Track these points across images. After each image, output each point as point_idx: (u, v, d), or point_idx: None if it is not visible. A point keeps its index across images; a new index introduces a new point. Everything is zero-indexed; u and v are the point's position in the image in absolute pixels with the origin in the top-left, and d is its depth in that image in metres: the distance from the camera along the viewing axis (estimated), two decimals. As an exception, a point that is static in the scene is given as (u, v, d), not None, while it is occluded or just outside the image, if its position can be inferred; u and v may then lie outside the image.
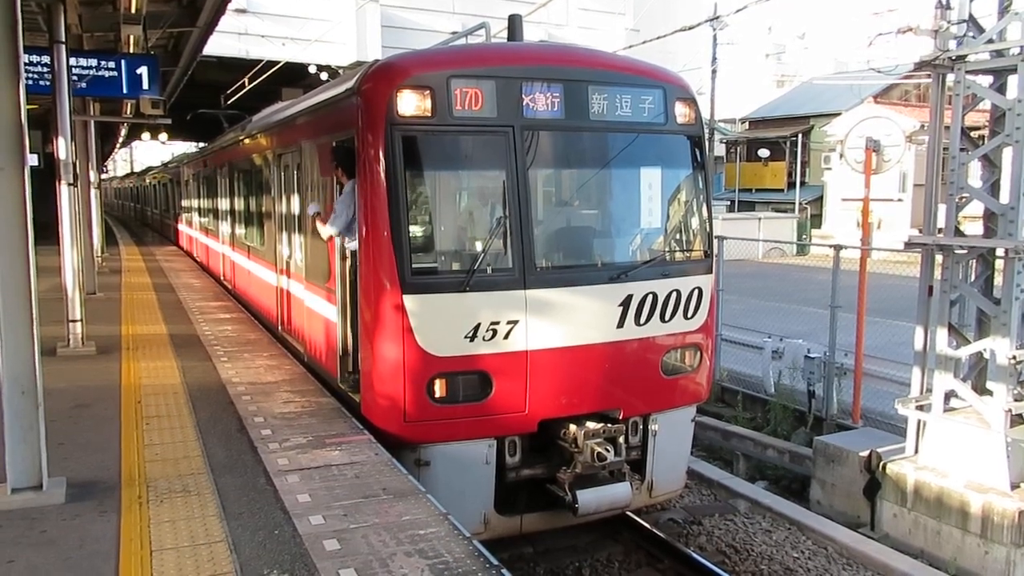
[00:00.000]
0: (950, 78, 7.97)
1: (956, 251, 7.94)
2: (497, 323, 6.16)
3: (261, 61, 20.96)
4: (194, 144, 36.57)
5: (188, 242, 22.42)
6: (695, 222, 7.39)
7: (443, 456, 6.27)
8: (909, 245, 8.57)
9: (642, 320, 6.72)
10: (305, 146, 8.37)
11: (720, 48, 39.01)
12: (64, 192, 9.24)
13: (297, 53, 21.21)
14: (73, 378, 8.04)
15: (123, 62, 11.89)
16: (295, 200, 9.00)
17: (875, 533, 8.21)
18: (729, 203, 42.56)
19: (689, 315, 7.01)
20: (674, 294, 6.86)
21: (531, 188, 6.42)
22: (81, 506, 4.90)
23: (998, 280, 7.94)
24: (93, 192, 17.03)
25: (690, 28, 18.88)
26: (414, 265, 6.09)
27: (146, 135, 27.31)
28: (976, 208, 8.21)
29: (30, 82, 10.18)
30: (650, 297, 6.71)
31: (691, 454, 8.26)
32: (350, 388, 7.11)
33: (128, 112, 17.07)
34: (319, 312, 8.04)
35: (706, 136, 8.54)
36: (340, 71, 21.20)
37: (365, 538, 4.41)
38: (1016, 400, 7.53)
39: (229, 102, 22.37)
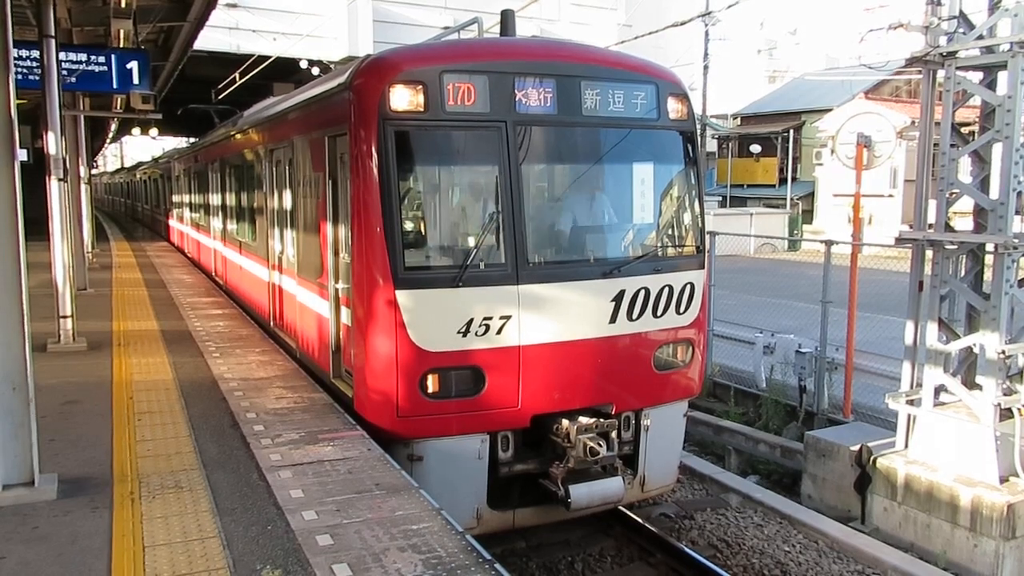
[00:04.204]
0: (940, 74, 8.00)
1: (946, 246, 7.98)
2: (490, 318, 6.16)
3: (252, 56, 20.89)
4: (185, 139, 36.43)
5: (179, 238, 22.33)
6: (687, 218, 7.41)
7: (436, 451, 6.28)
8: (900, 240, 8.61)
9: (634, 315, 6.74)
10: (297, 142, 8.35)
11: (712, 44, 39.06)
12: (54, 187, 9.20)
13: (288, 48, 21.13)
14: (64, 374, 8.01)
15: (113, 57, 11.85)
16: (287, 195, 8.98)
17: (865, 527, 8.26)
18: (721, 199, 42.62)
19: (681, 310, 7.03)
20: (666, 289, 6.88)
21: (524, 183, 6.42)
22: (73, 502, 4.89)
23: (988, 275, 7.98)
24: (83, 187, 16.95)
25: (682, 24, 18.86)
26: (407, 261, 6.09)
27: (136, 130, 27.12)
28: (966, 204, 8.25)
29: (19, 77, 10.09)
30: (642, 292, 6.73)
31: (683, 449, 8.30)
32: (343, 383, 7.11)
33: (118, 107, 17.01)
34: (311, 307, 8.03)
35: (698, 132, 8.56)
36: (332, 66, 21.15)
37: (358, 533, 4.42)
38: (1005, 394, 7.58)
39: (220, 97, 22.27)
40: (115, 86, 12.04)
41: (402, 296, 6.04)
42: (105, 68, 11.78)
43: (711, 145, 46.14)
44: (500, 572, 4.04)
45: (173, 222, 23.69)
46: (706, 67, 38.72)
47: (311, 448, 5.81)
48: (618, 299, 6.62)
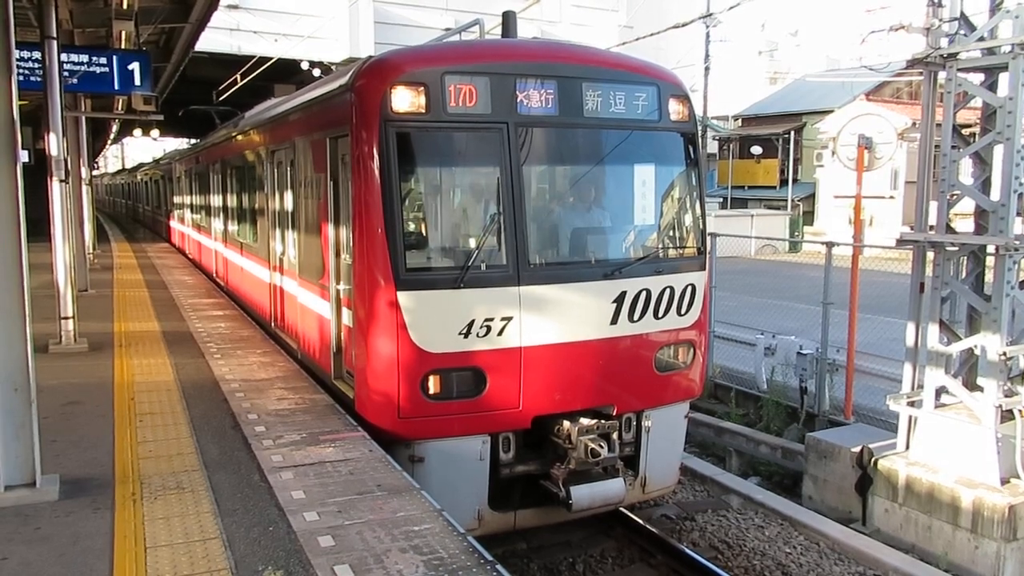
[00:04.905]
0: (942, 76, 8.00)
1: (947, 248, 7.98)
2: (491, 319, 6.17)
3: (253, 57, 20.90)
4: (186, 140, 36.45)
5: (180, 239, 22.35)
6: (688, 219, 7.41)
7: (437, 452, 6.28)
8: (901, 242, 8.61)
9: (636, 317, 6.74)
10: (298, 143, 8.36)
11: (713, 45, 39.03)
12: (55, 189, 9.21)
13: (289, 49, 21.15)
14: (65, 375, 8.02)
15: (115, 58, 11.85)
16: (288, 197, 8.99)
17: (867, 528, 8.25)
18: (722, 200, 42.62)
19: (682, 312, 7.03)
20: (667, 291, 6.88)
21: (525, 185, 6.43)
22: (75, 503, 4.89)
23: (989, 277, 7.98)
24: (84, 188, 16.96)
25: (683, 25, 18.91)
26: (408, 262, 6.09)
27: (138, 131, 27.20)
28: (967, 205, 8.25)
29: (21, 78, 10.07)
30: (644, 294, 6.73)
31: (684, 450, 8.30)
32: (344, 384, 7.11)
33: (120, 108, 17.02)
34: (312, 309, 8.04)
35: (699, 133, 8.56)
36: (333, 67, 21.16)
37: (360, 534, 4.42)
38: (1006, 396, 7.57)
39: (221, 98, 22.28)
40: (116, 87, 12.05)
41: (403, 297, 6.04)
42: (106, 69, 11.78)
43: (712, 146, 46.15)
44: (501, 573, 4.04)
45: (174, 223, 23.71)
46: (707, 68, 38.72)
47: (312, 449, 5.81)
48: (619, 300, 6.62)
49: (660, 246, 7.20)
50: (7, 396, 4.79)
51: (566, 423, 6.44)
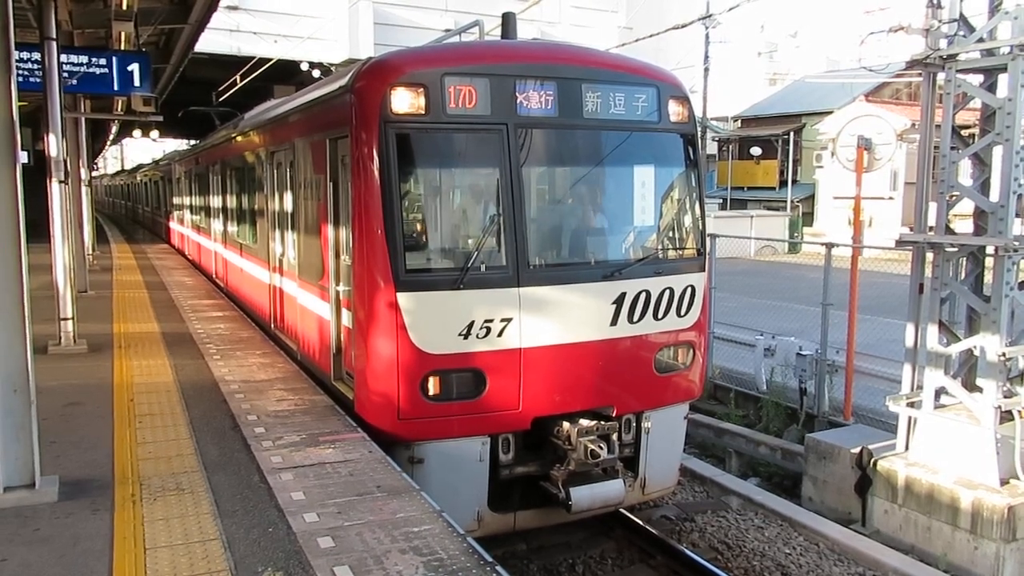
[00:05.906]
0: (941, 77, 8.00)
1: (947, 249, 7.98)
2: (491, 321, 6.17)
3: (253, 58, 20.92)
4: (185, 141, 36.48)
5: (180, 240, 22.34)
6: (688, 220, 7.42)
7: (437, 453, 6.28)
8: (900, 243, 8.61)
9: (635, 318, 6.74)
10: (298, 144, 8.36)
11: (712, 46, 39.04)
12: (55, 190, 9.20)
13: (289, 50, 21.18)
14: (65, 376, 8.01)
15: (114, 59, 11.86)
16: (288, 198, 8.99)
17: (866, 529, 8.25)
18: (721, 201, 42.62)
19: (682, 313, 7.04)
20: (667, 292, 6.89)
21: (525, 186, 6.43)
22: (74, 504, 4.89)
23: (988, 278, 7.98)
24: (84, 190, 16.95)
25: (683, 26, 18.92)
26: (408, 263, 6.09)
27: (137, 132, 27.19)
28: (967, 206, 8.26)
29: (20, 79, 10.07)
30: (643, 295, 6.73)
31: (684, 451, 8.30)
32: (344, 385, 7.12)
33: (119, 109, 17.01)
34: (312, 310, 8.04)
35: (699, 134, 8.57)
36: (332, 68, 21.18)
37: (359, 535, 4.42)
38: (1005, 397, 7.58)
39: (221, 99, 22.29)
40: (116, 88, 12.05)
41: (403, 298, 6.04)
42: (106, 70, 11.79)
43: (711, 147, 46.13)
44: (501, 574, 4.04)
45: (174, 224, 23.71)
46: (707, 69, 38.73)
47: (312, 450, 5.81)
48: (619, 302, 6.62)
49: (660, 247, 7.20)
50: (7, 397, 4.79)
51: (566, 424, 6.44)
